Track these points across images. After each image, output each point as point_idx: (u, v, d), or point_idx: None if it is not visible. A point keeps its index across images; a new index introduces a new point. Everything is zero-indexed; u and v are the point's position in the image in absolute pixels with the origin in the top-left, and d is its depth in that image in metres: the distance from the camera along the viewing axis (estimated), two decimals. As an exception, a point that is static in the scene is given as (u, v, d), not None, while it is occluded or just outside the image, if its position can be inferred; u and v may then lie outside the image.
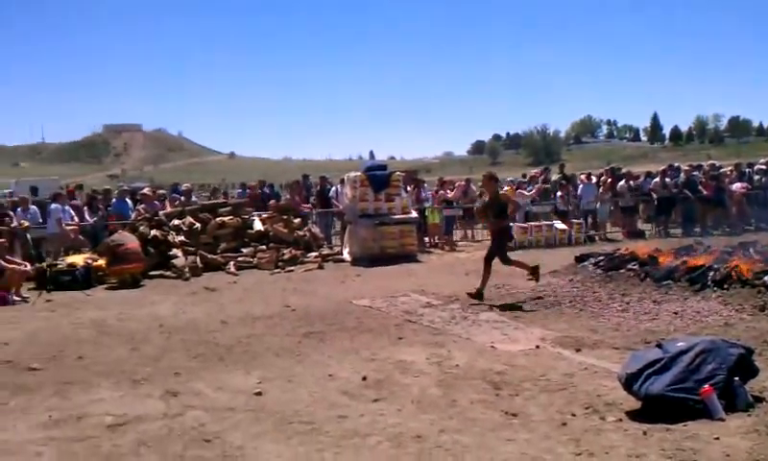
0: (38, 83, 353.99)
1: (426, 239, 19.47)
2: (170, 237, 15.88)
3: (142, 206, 17.56)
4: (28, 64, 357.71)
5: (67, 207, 16.81)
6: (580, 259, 13.05)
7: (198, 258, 15.69)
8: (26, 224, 15.97)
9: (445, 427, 5.49)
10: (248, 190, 22.48)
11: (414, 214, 17.74)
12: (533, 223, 19.58)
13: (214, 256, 16.06)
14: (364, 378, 6.87)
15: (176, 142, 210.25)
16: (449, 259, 17.07)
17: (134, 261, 14.21)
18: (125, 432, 5.64)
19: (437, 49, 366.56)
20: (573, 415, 5.65)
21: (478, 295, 10.84)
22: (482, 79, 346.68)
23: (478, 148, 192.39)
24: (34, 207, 17.24)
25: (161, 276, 14.87)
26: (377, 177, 17.39)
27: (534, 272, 11.42)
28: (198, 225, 16.78)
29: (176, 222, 16.69)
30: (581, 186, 21.60)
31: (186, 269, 14.90)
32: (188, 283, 14.11)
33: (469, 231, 21.63)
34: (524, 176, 24.23)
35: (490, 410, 5.87)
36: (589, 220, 20.90)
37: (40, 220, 16.99)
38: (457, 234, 20.97)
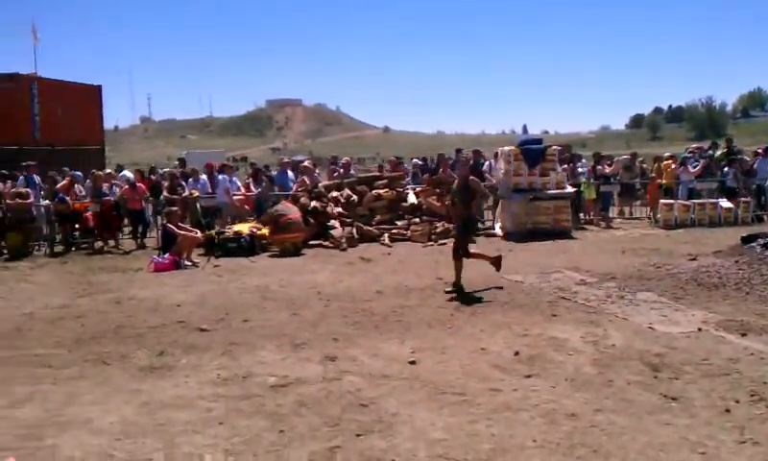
0: (208, 60, 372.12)
1: (581, 215, 19.00)
2: (328, 209, 16.41)
3: (302, 178, 18.19)
4: (197, 44, 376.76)
5: (234, 178, 17.74)
6: (747, 240, 12.35)
7: (354, 229, 16.11)
8: (196, 193, 16.96)
9: (601, 407, 5.41)
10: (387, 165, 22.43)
11: (569, 189, 17.35)
12: (696, 200, 18.60)
13: (369, 228, 16.42)
14: (516, 353, 6.87)
15: (334, 116, 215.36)
16: (605, 236, 16.58)
17: (296, 231, 14.82)
18: (286, 393, 5.95)
19: (592, 20, 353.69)
20: (737, 402, 5.41)
21: (456, 288, 10.23)
22: (641, 50, 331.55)
23: (637, 122, 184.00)
24: (203, 178, 18.29)
25: (320, 245, 15.39)
26: (532, 151, 17.12)
27: (496, 262, 11.03)
28: (355, 197, 17.21)
29: (334, 194, 17.22)
30: (759, 160, 20.18)
31: (343, 239, 15.35)
32: (345, 253, 14.53)
33: (627, 208, 20.88)
34: (690, 150, 22.90)
35: (647, 392, 5.72)
36: (762, 199, 19.56)
37: (209, 190, 18.00)
38: (613, 211, 20.28)
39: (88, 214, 16.19)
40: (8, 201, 15.87)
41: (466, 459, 4.59)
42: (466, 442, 4.83)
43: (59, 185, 16.81)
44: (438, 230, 16.30)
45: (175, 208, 14.83)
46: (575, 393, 5.76)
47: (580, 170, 19.69)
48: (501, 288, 10.23)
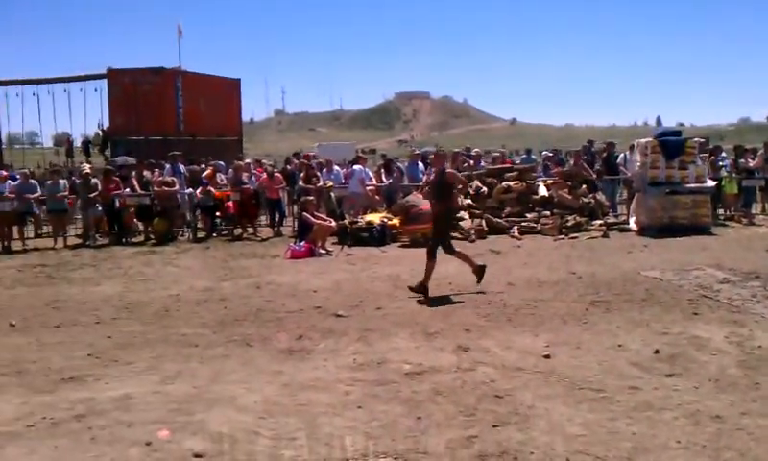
0: (339, 55, 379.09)
1: (720, 211, 18.13)
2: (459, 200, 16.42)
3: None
4: (329, 39, 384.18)
5: (367, 169, 18.08)
6: None
7: (483, 221, 16.05)
8: (330, 184, 17.38)
9: (748, 410, 5.19)
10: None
11: (710, 183, 16.58)
12: None
13: (499, 220, 16.32)
14: (656, 352, 6.67)
15: (461, 109, 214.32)
16: (747, 234, 15.75)
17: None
18: (421, 381, 6.02)
19: (731, 4, 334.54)
20: None
21: (421, 289, 9.74)
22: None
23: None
24: (337, 168, 18.72)
25: (449, 237, 15.42)
26: (671, 143, 16.47)
27: (478, 272, 10.19)
28: (484, 189, 17.14)
29: (463, 185, 17.20)
30: None
31: (472, 231, 15.33)
32: (474, 245, 14.49)
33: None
34: None
35: (798, 397, 5.43)
36: None
37: (342, 180, 18.42)
38: (756, 208, 19.22)
39: (229, 203, 16.92)
40: (155, 189, 16.82)
41: (606, 456, 4.51)
42: (605, 439, 4.75)
43: (204, 174, 17.67)
44: (569, 223, 16.00)
45: (311, 198, 15.28)
46: (720, 394, 5.54)
47: (721, 163, 18.78)
48: (483, 293, 9.75)
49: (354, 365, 6.59)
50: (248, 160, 20.89)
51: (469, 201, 16.68)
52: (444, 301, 9.32)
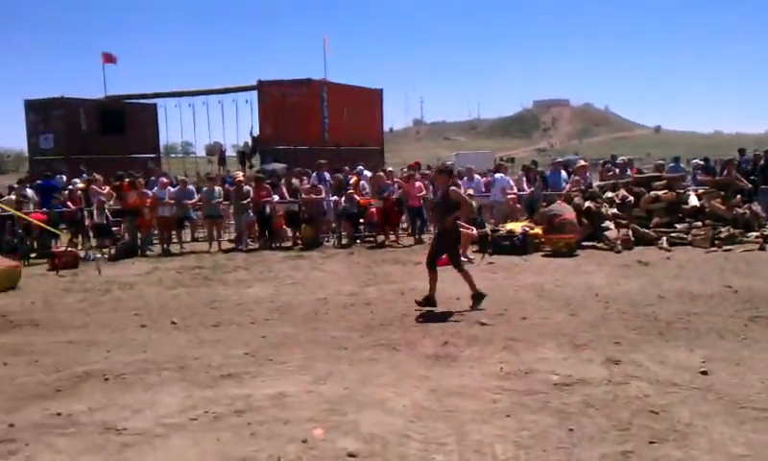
0: (477, 63, 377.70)
1: None
2: (603, 209, 16.00)
3: (576, 178, 17.92)
4: (468, 48, 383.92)
5: (508, 178, 17.96)
6: None
7: (630, 231, 15.56)
8: (470, 192, 17.36)
9: None
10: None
11: None
12: None
13: (646, 230, 15.76)
14: (826, 372, 6.26)
15: (602, 116, 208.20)
16: None
17: (570, 231, 14.65)
18: (571, 392, 5.93)
19: None
20: None
21: (428, 301, 9.64)
22: None
23: None
24: (477, 177, 18.70)
25: (593, 247, 15.06)
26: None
27: (476, 298, 9.73)
28: (631, 198, 16.61)
29: (609, 194, 16.76)
30: None
31: (618, 241, 14.89)
32: (619, 256, 14.08)
33: None
34: None
35: None
36: None
37: (482, 189, 18.40)
38: None
39: (373, 210, 17.27)
40: (303, 196, 17.42)
41: (773, 479, 4.30)
42: (772, 461, 4.52)
43: (350, 182, 18.14)
44: (722, 234, 15.22)
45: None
46: None
47: None
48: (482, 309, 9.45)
49: (501, 374, 6.57)
50: (390, 168, 21.22)
51: (615, 210, 16.22)
52: (591, 312, 9.12)
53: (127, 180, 17.58)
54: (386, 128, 41.02)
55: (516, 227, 15.58)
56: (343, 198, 17.48)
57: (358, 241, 17.47)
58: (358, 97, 33.06)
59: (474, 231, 14.95)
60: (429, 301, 9.76)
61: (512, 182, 18.35)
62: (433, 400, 5.84)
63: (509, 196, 17.73)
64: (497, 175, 18.09)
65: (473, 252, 14.66)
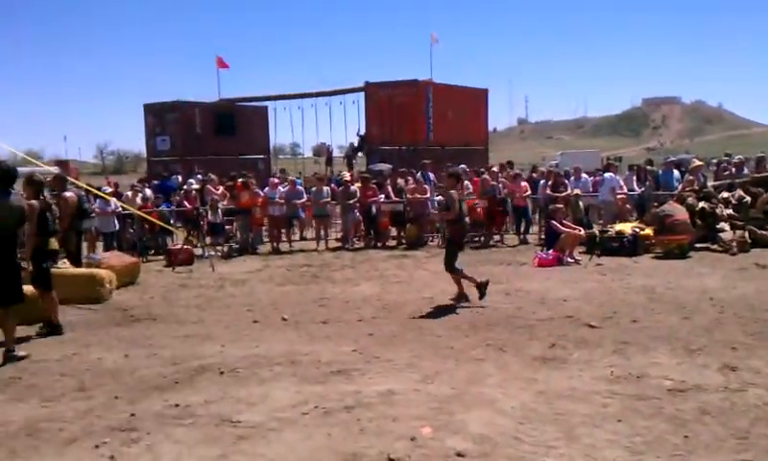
0: (583, 61, 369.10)
1: None
2: (718, 210, 15.40)
3: (690, 177, 17.32)
4: (573, 45, 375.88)
5: (617, 177, 17.56)
6: None
7: (746, 233, 14.91)
8: (577, 191, 17.07)
9: None
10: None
11: None
12: None
13: (764, 232, 15.07)
14: None
15: (714, 114, 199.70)
16: None
17: (682, 232, 14.18)
18: (685, 399, 5.77)
19: None
20: None
21: (460, 298, 10.44)
22: None
23: None
24: (585, 176, 18.36)
25: (707, 248, 14.53)
26: None
27: (480, 287, 10.34)
28: (748, 198, 15.92)
29: (724, 195, 16.11)
30: None
31: (734, 243, 14.31)
32: (735, 258, 13.52)
33: None
34: None
35: None
36: None
37: (590, 189, 18.04)
38: None
39: (477, 210, 17.22)
40: (408, 196, 17.55)
41: None
42: None
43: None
44: None
45: (560, 206, 15.13)
46: None
47: None
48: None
49: (611, 377, 6.45)
50: (494, 168, 21.07)
51: (731, 211, 15.58)
52: (705, 316, 8.82)
53: (240, 180, 18.14)
54: (490, 127, 40.60)
55: (626, 227, 15.19)
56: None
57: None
58: (463, 97, 33.01)
59: (582, 232, 14.69)
60: (461, 297, 10.44)
61: (621, 182, 17.91)
62: (542, 403, 5.80)
63: (618, 196, 17.32)
64: (607, 174, 17.70)
65: (580, 253, 14.40)
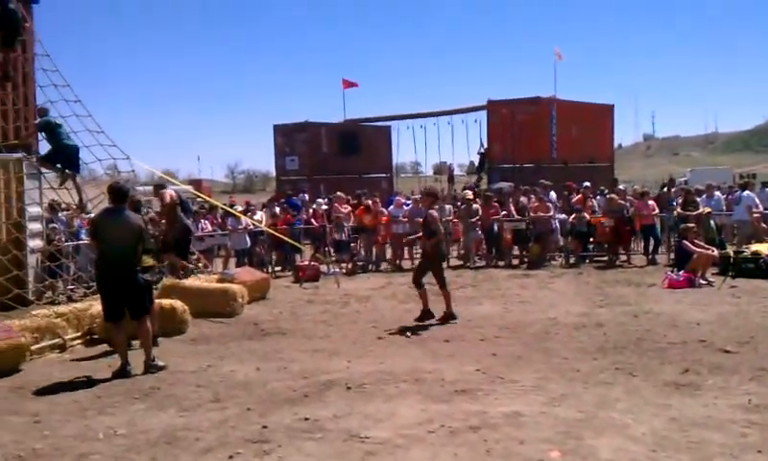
0: (713, 75, 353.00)
1: None
2: None
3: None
4: (702, 59, 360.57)
5: (753, 195, 16.78)
6: None
7: None
8: (708, 210, 16.40)
9: None
10: None
11: None
12: None
13: None
14: None
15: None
16: None
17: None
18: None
19: None
20: None
21: (426, 315, 10.66)
22: None
23: None
24: (718, 194, 17.63)
25: None
26: None
27: (447, 317, 10.70)
28: None
29: None
30: None
31: None
32: None
33: None
34: None
35: None
36: None
37: (723, 207, 17.30)
38: None
39: (603, 229, 16.84)
40: (531, 214, 17.38)
41: None
42: None
43: (574, 199, 17.83)
44: None
45: (692, 225, 14.56)
46: None
47: None
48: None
49: (749, 406, 6.18)
50: (621, 186, 20.54)
51: None
52: None
53: (362, 206, 18.33)
54: (615, 143, 39.57)
55: (762, 248, 14.45)
56: (572, 216, 17.19)
57: (587, 260, 17.06)
58: (587, 113, 32.39)
59: (715, 252, 14.09)
60: (427, 314, 10.70)
61: (758, 201, 17.06)
62: (675, 430, 5.63)
63: (754, 215, 16.50)
64: (744, 193, 16.90)
65: (713, 274, 13.81)
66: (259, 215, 18.42)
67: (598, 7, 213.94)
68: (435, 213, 11.04)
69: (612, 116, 34.91)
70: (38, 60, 13.67)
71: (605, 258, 17.08)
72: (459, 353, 8.63)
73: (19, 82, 13.35)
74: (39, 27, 13.96)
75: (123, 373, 8.08)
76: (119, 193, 8.41)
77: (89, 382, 7.87)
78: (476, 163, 35.79)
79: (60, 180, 13.00)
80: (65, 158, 12.74)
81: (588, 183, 19.62)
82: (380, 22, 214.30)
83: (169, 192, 12.84)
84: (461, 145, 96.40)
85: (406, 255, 18.14)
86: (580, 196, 18.12)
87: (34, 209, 13.03)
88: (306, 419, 6.22)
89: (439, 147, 43.89)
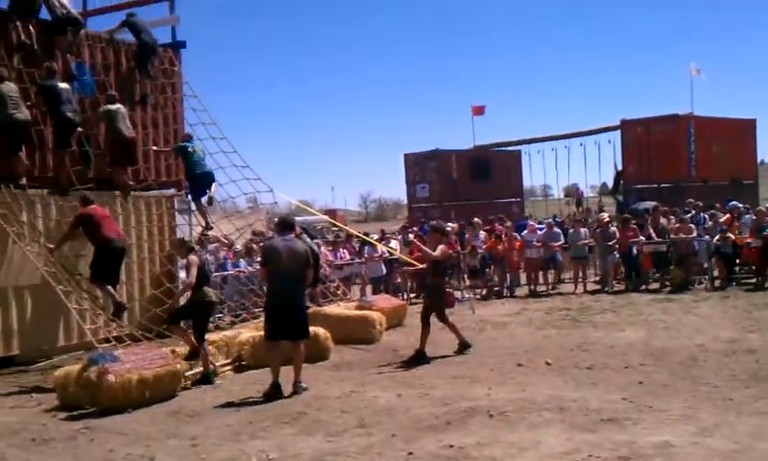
0: None
1: None
2: None
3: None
4: None
5: None
6: None
7: None
8: None
9: None
10: None
11: None
12: None
13: None
14: None
15: None
16: None
17: None
18: None
19: None
20: None
21: (419, 356, 10.48)
22: None
23: None
24: None
25: None
26: None
27: (461, 346, 10.80)
28: None
29: None
30: None
31: None
32: None
33: None
34: None
35: None
36: None
37: None
38: None
39: (750, 249, 16.07)
40: (671, 236, 16.78)
41: None
42: None
43: (722, 219, 17.11)
44: None
45: None
46: None
47: None
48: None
49: None
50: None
51: None
52: None
53: (493, 238, 18.20)
54: (758, 159, 37.48)
55: None
56: (716, 237, 16.47)
57: (734, 283, 16.27)
58: (728, 129, 30.98)
59: None
60: (419, 355, 10.52)
61: None
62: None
63: None
64: None
65: None
66: (394, 243, 18.70)
67: (732, 19, 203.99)
68: (442, 249, 10.82)
69: (754, 131, 33.28)
70: (187, 100, 14.69)
71: (753, 280, 16.24)
72: (603, 381, 8.47)
73: (170, 120, 14.29)
74: (187, 70, 14.96)
75: (274, 390, 8.57)
76: (286, 224, 9.39)
77: (240, 407, 8.28)
78: (609, 185, 34.82)
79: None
80: (193, 184, 13.61)
81: (735, 203, 18.80)
82: (505, 46, 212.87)
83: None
84: (592, 166, 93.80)
85: (541, 281, 17.93)
86: (728, 216, 17.36)
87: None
88: (451, 446, 6.28)
89: (569, 169, 43.10)
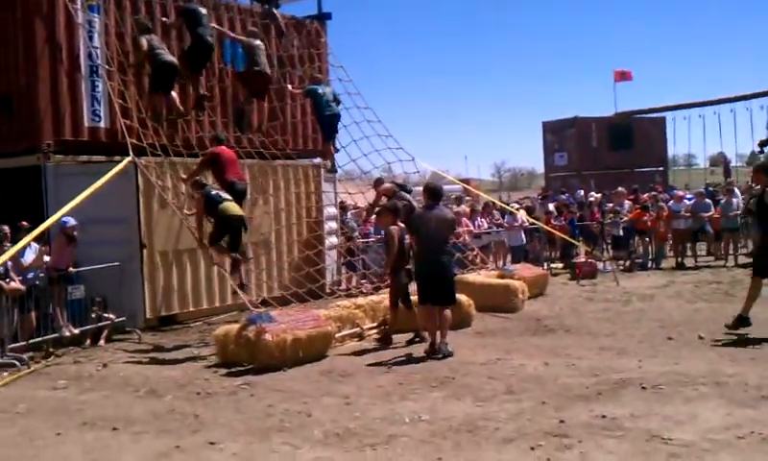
0: None
1: None
2: None
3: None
4: None
5: None
6: None
7: None
8: None
9: None
10: None
11: None
12: None
13: None
14: None
15: None
16: None
17: None
18: None
19: None
20: None
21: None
22: None
23: None
24: None
25: None
26: None
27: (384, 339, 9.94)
28: None
29: None
30: None
31: None
32: None
33: None
34: None
35: None
36: None
37: None
38: None
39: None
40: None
41: None
42: None
43: None
44: None
45: None
46: None
47: None
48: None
49: None
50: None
51: None
52: None
53: (638, 208, 17.62)
54: None
55: None
56: None
57: None
58: None
59: None
60: (388, 338, 9.93)
61: None
62: None
63: None
64: None
65: None
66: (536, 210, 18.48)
67: None
68: (394, 229, 9.93)
69: None
70: (333, 70, 15.09)
71: None
72: (762, 358, 8.10)
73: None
74: (332, 40, 15.34)
75: (433, 351, 8.94)
76: (434, 192, 9.61)
77: (390, 368, 8.52)
78: (757, 152, 32.74)
79: None
80: (322, 125, 14.05)
81: None
82: (650, 9, 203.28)
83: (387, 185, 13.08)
84: (744, 134, 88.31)
85: (689, 252, 17.22)
86: None
87: (330, 209, 14.38)
88: (603, 416, 6.21)
89: (720, 137, 40.77)
